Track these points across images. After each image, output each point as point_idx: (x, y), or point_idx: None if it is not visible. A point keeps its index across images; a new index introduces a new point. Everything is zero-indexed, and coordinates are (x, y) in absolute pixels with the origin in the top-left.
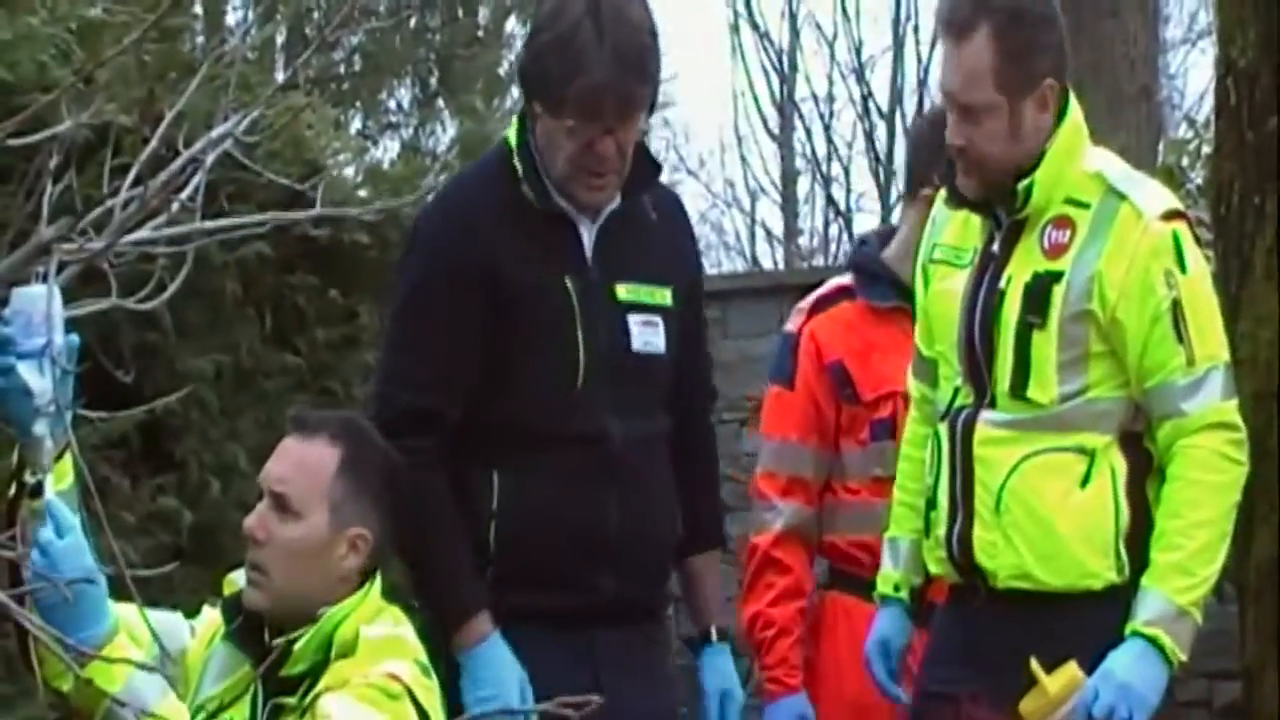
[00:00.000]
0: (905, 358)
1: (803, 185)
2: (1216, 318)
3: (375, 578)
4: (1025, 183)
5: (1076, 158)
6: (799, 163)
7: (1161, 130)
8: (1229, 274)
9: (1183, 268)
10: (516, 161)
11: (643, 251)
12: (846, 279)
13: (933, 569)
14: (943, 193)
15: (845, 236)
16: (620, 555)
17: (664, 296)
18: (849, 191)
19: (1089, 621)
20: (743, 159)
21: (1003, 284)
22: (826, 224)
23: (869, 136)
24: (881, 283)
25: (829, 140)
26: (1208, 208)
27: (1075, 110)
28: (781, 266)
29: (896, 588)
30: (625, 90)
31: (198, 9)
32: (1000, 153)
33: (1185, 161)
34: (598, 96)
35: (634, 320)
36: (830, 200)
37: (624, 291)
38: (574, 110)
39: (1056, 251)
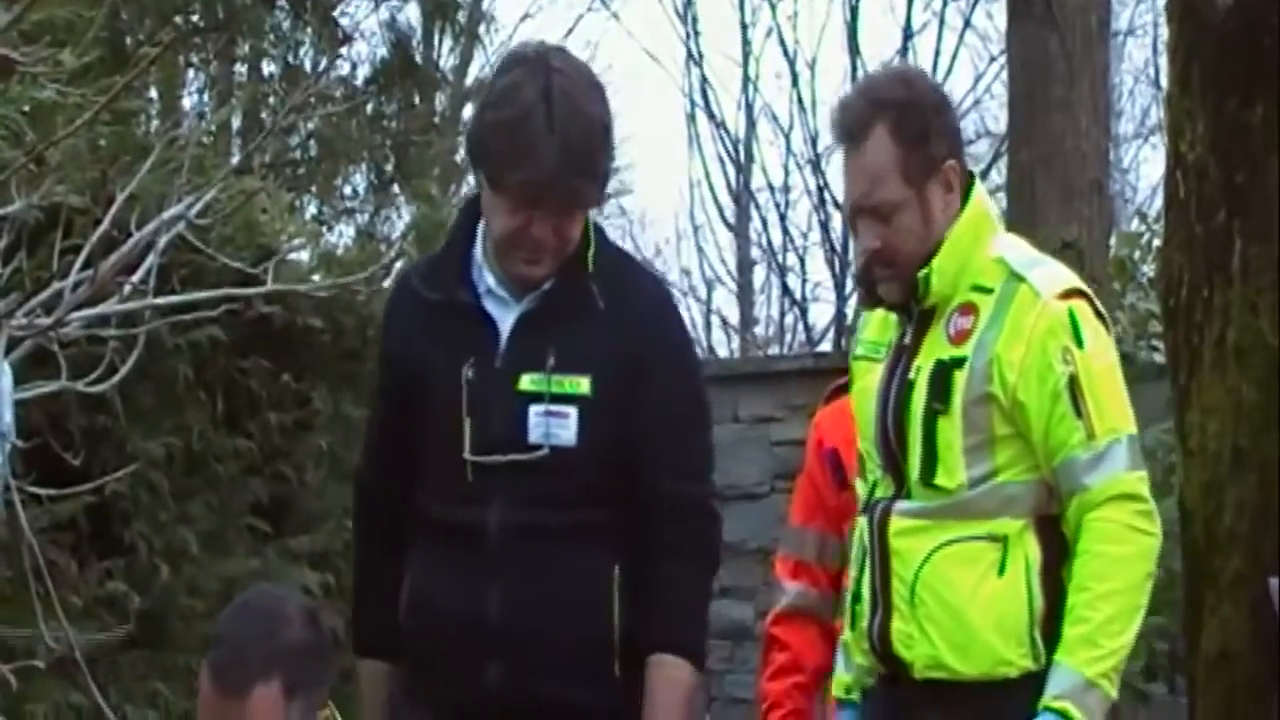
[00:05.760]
0: None
1: (758, 274)
2: (1118, 390)
3: None
4: (924, 272)
5: (982, 244)
6: (755, 252)
7: (1113, 223)
8: (1178, 365)
9: (1079, 343)
10: (432, 253)
11: (565, 339)
12: None
13: (858, 660)
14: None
15: (800, 326)
16: (506, 649)
17: (580, 385)
18: (804, 281)
19: (1007, 709)
20: (699, 248)
21: (912, 374)
22: (782, 313)
23: (824, 227)
24: None
25: (784, 230)
26: (1158, 299)
27: (980, 196)
28: (736, 355)
29: (848, 690)
30: (570, 187)
31: (152, 92)
32: (916, 247)
33: (1136, 254)
34: (541, 190)
35: (534, 411)
36: (786, 290)
37: (527, 382)
38: (515, 196)
39: (960, 338)
